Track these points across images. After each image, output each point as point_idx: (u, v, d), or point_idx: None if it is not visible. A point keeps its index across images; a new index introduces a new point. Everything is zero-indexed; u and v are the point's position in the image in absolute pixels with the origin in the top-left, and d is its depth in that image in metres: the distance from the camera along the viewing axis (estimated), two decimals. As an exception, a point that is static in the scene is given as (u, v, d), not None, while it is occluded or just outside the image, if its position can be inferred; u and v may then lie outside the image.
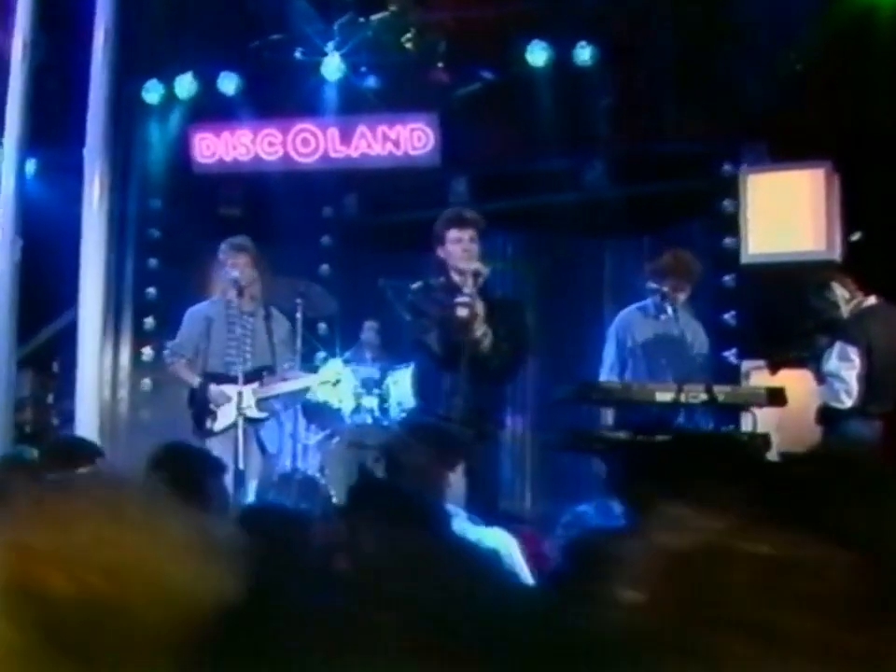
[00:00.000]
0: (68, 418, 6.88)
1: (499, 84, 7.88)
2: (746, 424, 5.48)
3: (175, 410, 6.43)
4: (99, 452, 4.04)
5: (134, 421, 8.27)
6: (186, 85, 8.31)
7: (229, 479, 4.50)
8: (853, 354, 5.37)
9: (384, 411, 7.25)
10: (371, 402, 7.28)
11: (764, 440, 5.00)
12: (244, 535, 1.13)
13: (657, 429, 4.98)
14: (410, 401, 6.71)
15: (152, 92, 8.38)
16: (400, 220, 8.12)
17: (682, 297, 5.90)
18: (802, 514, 1.28)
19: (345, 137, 8.21)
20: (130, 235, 8.38)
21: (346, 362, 7.03)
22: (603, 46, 7.48)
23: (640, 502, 2.16)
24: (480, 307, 4.83)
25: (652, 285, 5.86)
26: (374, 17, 7.84)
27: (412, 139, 8.07)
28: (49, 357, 8.27)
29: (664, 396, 5.06)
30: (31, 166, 7.21)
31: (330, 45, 7.97)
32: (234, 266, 5.98)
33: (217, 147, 8.46)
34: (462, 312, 4.80)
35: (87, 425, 5.98)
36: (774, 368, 5.95)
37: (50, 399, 8.37)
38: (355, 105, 8.20)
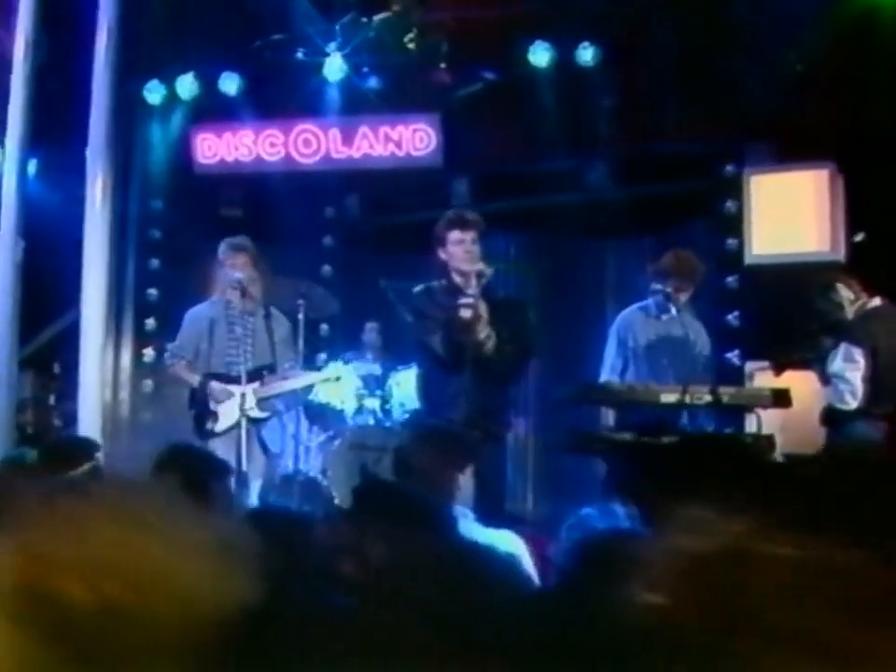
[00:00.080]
0: (70, 419, 6.87)
1: (501, 84, 7.86)
2: (750, 425, 5.47)
3: (177, 411, 6.42)
4: (96, 447, 4.03)
5: (136, 422, 8.26)
6: (187, 85, 8.31)
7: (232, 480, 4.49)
8: (858, 355, 5.35)
9: (386, 412, 7.25)
10: (373, 403, 7.27)
11: (769, 441, 5.00)
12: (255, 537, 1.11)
13: (662, 431, 4.97)
14: (412, 403, 6.70)
15: (153, 93, 8.37)
16: (402, 221, 8.10)
17: (684, 297, 5.89)
18: (818, 516, 1.27)
19: (347, 138, 8.19)
20: (131, 236, 8.37)
21: (347, 363, 7.01)
22: (605, 46, 7.46)
23: (653, 505, 2.15)
24: (483, 308, 4.81)
25: (657, 286, 5.85)
26: (376, 17, 7.82)
27: (413, 140, 8.06)
28: (50, 357, 8.26)
29: (668, 397, 5.05)
30: (32, 166, 7.19)
31: (332, 45, 7.96)
32: (233, 266, 5.96)
33: (219, 148, 8.45)
34: (465, 313, 4.78)
35: (89, 426, 5.97)
36: (778, 369, 5.94)
37: (52, 400, 8.35)
38: (356, 106, 8.19)
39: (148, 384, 8.31)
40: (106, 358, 7.46)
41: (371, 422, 7.25)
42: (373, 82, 8.19)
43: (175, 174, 8.49)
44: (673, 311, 5.89)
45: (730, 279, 7.29)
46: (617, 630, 1.06)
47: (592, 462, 6.12)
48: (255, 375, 5.94)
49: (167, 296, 8.26)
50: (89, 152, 6.27)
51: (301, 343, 6.30)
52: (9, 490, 2.41)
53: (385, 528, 2.13)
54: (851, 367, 5.35)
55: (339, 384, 7.01)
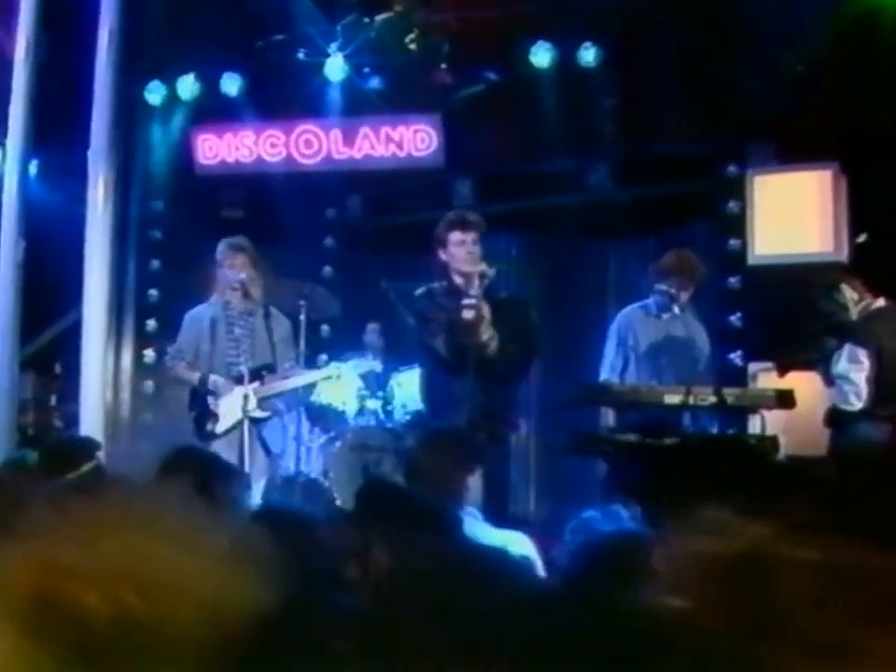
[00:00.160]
0: (71, 420, 6.86)
1: (503, 85, 7.85)
2: (753, 426, 5.46)
3: (178, 412, 6.40)
4: (97, 446, 4.01)
5: (137, 423, 8.24)
6: (188, 86, 8.30)
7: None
8: (862, 356, 5.33)
9: (388, 413, 7.23)
10: (374, 405, 7.25)
11: (773, 442, 4.98)
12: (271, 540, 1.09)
13: (664, 432, 4.96)
14: (414, 404, 6.69)
15: (154, 93, 8.36)
16: (403, 222, 8.09)
17: (685, 296, 5.89)
18: (831, 517, 1.25)
19: (348, 138, 8.18)
20: (132, 237, 8.35)
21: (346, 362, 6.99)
22: (607, 46, 7.44)
23: (661, 506, 2.13)
24: (486, 309, 4.80)
25: (662, 286, 5.85)
26: (378, 17, 7.81)
27: (415, 140, 8.04)
28: (51, 358, 8.25)
29: (672, 398, 5.04)
30: (34, 167, 7.18)
31: (334, 46, 7.95)
32: (232, 267, 5.94)
33: (220, 149, 8.44)
34: (468, 314, 4.76)
35: (91, 427, 5.96)
36: (782, 370, 5.92)
37: (53, 401, 8.34)
38: (358, 106, 8.17)
39: (149, 385, 8.30)
40: (108, 359, 7.45)
41: (373, 423, 7.23)
42: (375, 83, 8.18)
43: (176, 174, 8.48)
44: (675, 310, 5.90)
45: (732, 280, 7.28)
46: (629, 632, 1.05)
47: (593, 463, 6.10)
48: (255, 375, 5.91)
49: (168, 297, 8.24)
50: (90, 153, 6.26)
51: (302, 343, 6.28)
52: (12, 493, 2.39)
53: (390, 530, 2.12)
54: (856, 368, 5.33)
55: (340, 384, 7.00)
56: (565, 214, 7.98)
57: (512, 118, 7.93)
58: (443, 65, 7.91)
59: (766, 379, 6.41)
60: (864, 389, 5.32)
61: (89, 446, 3.97)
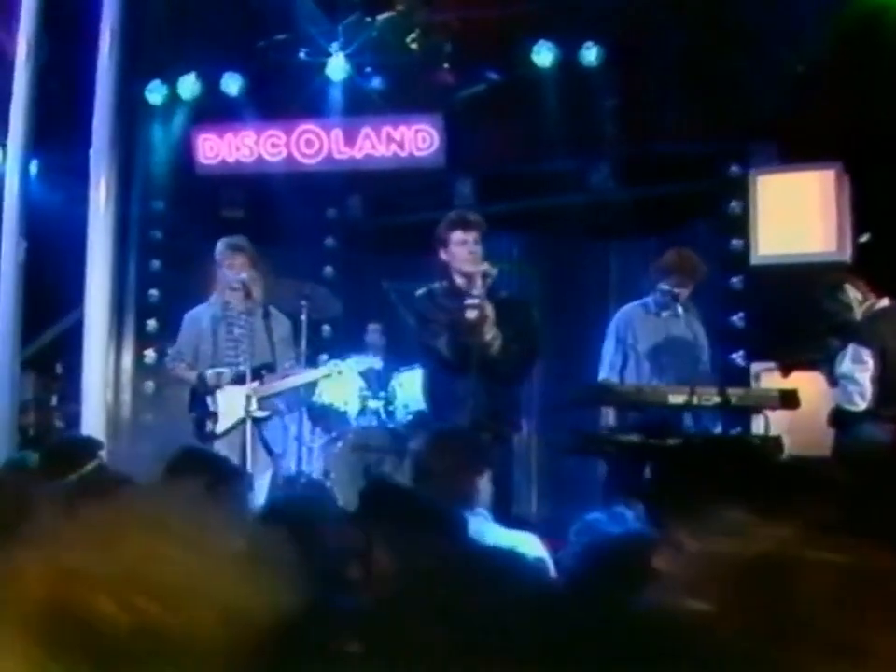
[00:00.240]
0: (72, 421, 6.84)
1: (505, 85, 7.84)
2: (757, 426, 5.44)
3: (178, 412, 6.38)
4: (99, 445, 4.00)
5: (138, 424, 8.23)
6: (189, 86, 8.29)
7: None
8: (867, 356, 5.32)
9: (389, 413, 7.21)
10: (376, 405, 7.24)
11: (777, 442, 4.97)
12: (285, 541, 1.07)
13: (667, 432, 4.95)
14: (416, 404, 6.67)
15: (155, 93, 8.36)
16: (405, 222, 8.08)
17: (685, 295, 5.89)
18: (849, 518, 1.24)
19: (349, 138, 8.17)
20: (132, 237, 8.34)
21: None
22: (609, 46, 7.44)
23: (668, 508, 2.12)
24: (489, 309, 4.78)
25: (664, 285, 5.84)
26: (380, 17, 7.80)
27: (416, 140, 8.04)
28: (52, 359, 8.24)
29: (676, 398, 5.03)
30: (35, 167, 7.17)
31: (335, 45, 7.94)
32: (232, 267, 5.93)
33: (221, 149, 8.43)
34: (471, 314, 4.74)
35: (92, 427, 5.94)
36: (786, 370, 5.91)
37: (54, 401, 8.33)
38: (359, 106, 8.17)
39: (150, 385, 8.29)
40: (109, 359, 7.43)
41: (375, 423, 7.22)
42: (376, 82, 8.18)
43: (177, 174, 8.47)
44: (676, 309, 5.89)
45: (735, 280, 7.28)
46: (635, 634, 1.03)
47: (595, 463, 6.09)
48: (255, 375, 5.90)
49: (168, 297, 8.23)
50: (93, 154, 6.24)
51: (303, 343, 6.26)
52: (14, 494, 2.37)
53: (393, 531, 2.11)
54: (860, 368, 5.32)
55: (342, 384, 6.98)
56: (566, 214, 7.97)
57: (514, 117, 7.92)
58: (445, 65, 7.90)
59: (769, 379, 6.40)
60: (868, 389, 5.31)
61: (91, 446, 3.95)
